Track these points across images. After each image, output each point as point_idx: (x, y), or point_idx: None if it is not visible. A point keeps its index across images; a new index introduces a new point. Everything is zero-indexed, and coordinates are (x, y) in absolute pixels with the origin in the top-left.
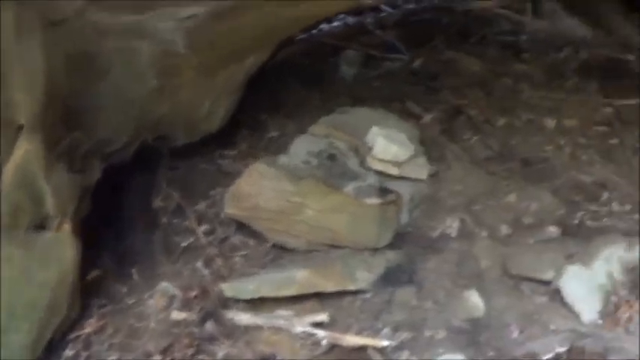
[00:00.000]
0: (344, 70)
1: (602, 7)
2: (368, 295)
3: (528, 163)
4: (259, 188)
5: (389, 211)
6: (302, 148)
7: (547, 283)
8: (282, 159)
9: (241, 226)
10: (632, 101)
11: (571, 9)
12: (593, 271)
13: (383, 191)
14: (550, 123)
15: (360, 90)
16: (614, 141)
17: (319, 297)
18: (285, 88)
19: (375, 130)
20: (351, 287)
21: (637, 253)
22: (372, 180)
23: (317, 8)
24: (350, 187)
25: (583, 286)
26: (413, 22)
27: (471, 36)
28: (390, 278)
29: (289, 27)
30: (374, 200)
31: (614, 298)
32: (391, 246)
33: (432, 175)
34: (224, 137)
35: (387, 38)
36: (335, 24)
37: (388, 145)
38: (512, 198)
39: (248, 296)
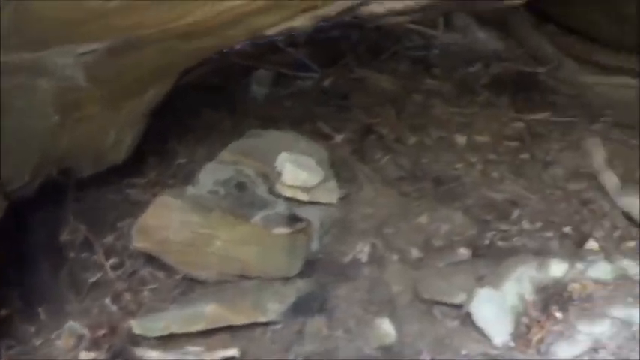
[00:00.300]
0: (255, 90)
1: (513, 19)
2: (279, 326)
3: (440, 183)
4: (167, 221)
5: (298, 239)
6: (210, 177)
7: (458, 306)
8: (190, 190)
9: (150, 258)
10: (543, 115)
11: (483, 21)
12: (504, 293)
13: (292, 219)
14: (461, 140)
15: (271, 110)
16: (525, 156)
17: (230, 330)
18: (193, 112)
19: (283, 156)
20: (262, 319)
21: (547, 273)
22: (281, 208)
23: (218, 41)
24: (258, 217)
25: (493, 309)
26: (324, 39)
27: (382, 52)
28: (301, 308)
29: (191, 58)
30: (282, 230)
31: (525, 319)
32: (302, 274)
33: (343, 199)
34: (132, 166)
35: (297, 56)
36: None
37: (297, 171)
38: (423, 219)
39: (157, 334)
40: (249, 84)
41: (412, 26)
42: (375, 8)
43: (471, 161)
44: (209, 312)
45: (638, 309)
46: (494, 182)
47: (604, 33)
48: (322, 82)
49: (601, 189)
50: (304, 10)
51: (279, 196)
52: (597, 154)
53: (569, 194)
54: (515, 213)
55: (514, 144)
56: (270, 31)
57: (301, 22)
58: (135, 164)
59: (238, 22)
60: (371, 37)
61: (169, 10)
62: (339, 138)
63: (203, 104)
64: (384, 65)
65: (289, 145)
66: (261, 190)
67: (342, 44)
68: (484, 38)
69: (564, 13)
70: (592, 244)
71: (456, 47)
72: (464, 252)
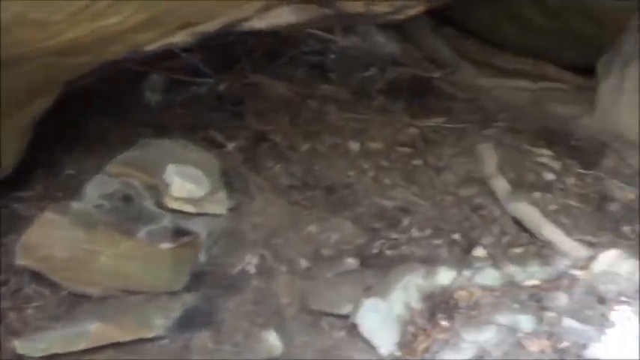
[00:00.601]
0: (148, 97)
1: (412, 22)
2: (165, 342)
3: (331, 190)
4: (51, 238)
5: (184, 253)
6: (96, 190)
7: (345, 317)
8: (75, 205)
9: (35, 275)
10: (437, 120)
11: (382, 25)
12: (390, 302)
13: (178, 233)
14: (354, 146)
15: (164, 118)
16: (418, 162)
17: (115, 347)
18: (83, 120)
19: (171, 168)
20: (148, 335)
21: (435, 280)
22: (167, 221)
23: (98, 57)
24: (143, 231)
25: (379, 319)
26: (219, 43)
27: (278, 57)
28: (188, 322)
29: (73, 72)
30: (167, 244)
31: (411, 328)
32: (189, 288)
33: (233, 209)
34: (19, 178)
35: (192, 61)
36: None
37: (184, 183)
38: (313, 229)
39: (40, 354)
40: (142, 90)
41: (310, 30)
42: (256, 24)
43: (363, 168)
44: (93, 330)
45: (523, 315)
46: (385, 189)
47: (504, 36)
48: (217, 88)
49: (492, 194)
50: (182, 27)
51: (166, 208)
52: (489, 160)
53: (460, 200)
54: (406, 220)
55: (407, 150)
56: (150, 47)
57: (180, 38)
58: (22, 177)
59: (116, 39)
60: (267, 42)
61: (41, 31)
62: (231, 146)
63: (93, 112)
64: (280, 70)
65: (179, 155)
66: (149, 203)
67: (238, 49)
68: (383, 42)
69: (464, 16)
70: (480, 251)
71: (354, 51)
72: (352, 262)
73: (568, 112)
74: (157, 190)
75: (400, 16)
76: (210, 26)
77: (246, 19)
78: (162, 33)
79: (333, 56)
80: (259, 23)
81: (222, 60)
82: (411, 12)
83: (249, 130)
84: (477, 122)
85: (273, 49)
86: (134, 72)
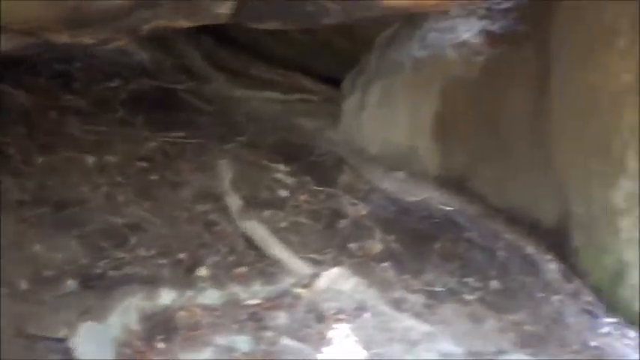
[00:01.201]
0: None
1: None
2: None
3: (62, 207)
4: None
5: None
6: None
7: (61, 341)
8: None
9: None
10: (178, 134)
11: None
12: (108, 325)
13: None
14: (91, 160)
15: None
16: (155, 177)
17: None
18: None
19: None
20: None
21: (156, 301)
22: None
23: None
24: None
25: (95, 343)
26: None
27: (20, 64)
28: None
29: None
30: None
31: (127, 351)
32: None
33: None
34: None
35: None
36: None
37: None
38: (38, 248)
39: None
40: None
41: None
42: None
43: (98, 183)
44: None
45: (241, 336)
46: (118, 206)
47: (263, 46)
48: None
49: (227, 211)
50: None
51: None
52: (224, 176)
53: (194, 217)
54: (134, 239)
55: (145, 165)
56: None
57: None
58: None
59: None
60: None
61: None
62: None
63: None
64: (22, 78)
65: None
66: None
67: None
68: (133, 50)
69: (223, 25)
70: (203, 271)
71: (101, 60)
72: (71, 284)
73: (315, 125)
74: None
75: (111, 46)
76: None
77: None
78: None
79: (79, 64)
80: None
81: None
82: (119, 43)
83: None
84: (219, 136)
85: (16, 55)
86: None
